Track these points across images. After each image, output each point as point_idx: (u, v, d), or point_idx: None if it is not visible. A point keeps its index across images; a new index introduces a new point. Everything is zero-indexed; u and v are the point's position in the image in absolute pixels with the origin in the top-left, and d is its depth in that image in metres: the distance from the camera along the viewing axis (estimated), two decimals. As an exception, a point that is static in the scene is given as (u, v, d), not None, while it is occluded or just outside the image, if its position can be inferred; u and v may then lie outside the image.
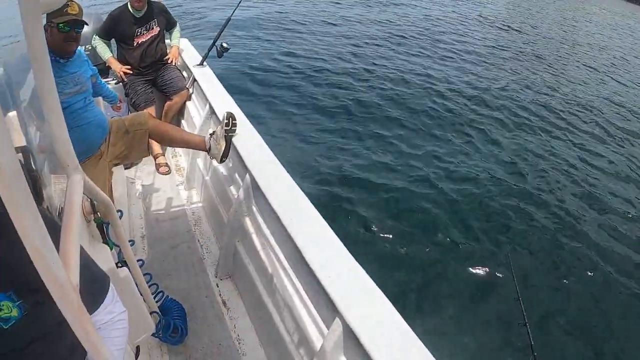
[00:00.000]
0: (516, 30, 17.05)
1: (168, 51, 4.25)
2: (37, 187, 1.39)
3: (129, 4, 3.85)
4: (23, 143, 1.38)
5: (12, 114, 1.44)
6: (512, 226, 5.10)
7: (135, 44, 3.94)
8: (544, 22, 20.88)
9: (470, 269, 4.37)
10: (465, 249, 4.59)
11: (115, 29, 3.89)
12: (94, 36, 3.87)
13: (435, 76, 9.47)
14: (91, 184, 1.38)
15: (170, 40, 4.30)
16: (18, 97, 1.51)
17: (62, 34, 2.33)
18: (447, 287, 4.14)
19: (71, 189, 1.13)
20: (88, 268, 1.15)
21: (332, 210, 4.72)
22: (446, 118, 7.49)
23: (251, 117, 3.11)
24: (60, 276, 0.68)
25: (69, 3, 2.29)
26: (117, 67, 3.93)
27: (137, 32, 3.91)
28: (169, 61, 4.18)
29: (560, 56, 14.18)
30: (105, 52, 3.92)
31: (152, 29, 3.99)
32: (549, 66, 12.43)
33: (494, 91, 9.16)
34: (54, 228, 0.89)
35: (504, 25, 17.45)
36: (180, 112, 4.25)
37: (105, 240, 1.85)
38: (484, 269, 4.39)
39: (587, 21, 23.94)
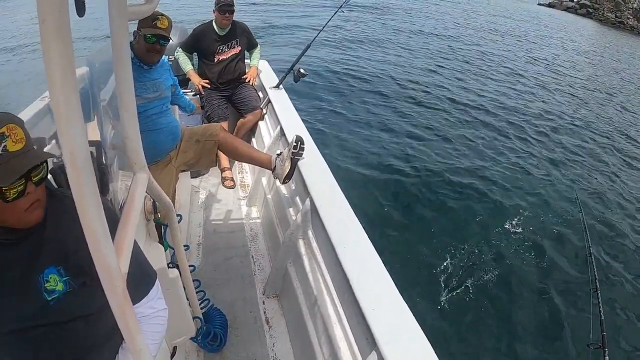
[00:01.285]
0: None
1: (247, 70, 4.38)
2: (104, 180, 1.47)
3: (214, 21, 4.04)
4: (97, 138, 1.47)
5: (92, 111, 1.54)
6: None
7: (215, 60, 4.10)
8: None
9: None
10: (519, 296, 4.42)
11: (198, 44, 4.08)
12: (178, 48, 4.09)
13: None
14: (155, 186, 1.44)
15: (250, 60, 4.44)
16: (99, 96, 1.61)
17: (147, 44, 2.48)
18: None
19: (134, 186, 1.19)
20: (138, 262, 1.21)
21: (385, 242, 4.67)
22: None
23: (319, 144, 3.12)
24: (111, 262, 0.72)
25: (159, 17, 2.43)
26: (196, 80, 4.12)
27: (219, 49, 4.08)
28: (247, 80, 4.31)
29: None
30: (187, 64, 4.13)
31: (234, 47, 4.14)
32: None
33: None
34: (113, 219, 0.94)
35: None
36: (252, 130, 4.36)
37: (161, 240, 1.93)
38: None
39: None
